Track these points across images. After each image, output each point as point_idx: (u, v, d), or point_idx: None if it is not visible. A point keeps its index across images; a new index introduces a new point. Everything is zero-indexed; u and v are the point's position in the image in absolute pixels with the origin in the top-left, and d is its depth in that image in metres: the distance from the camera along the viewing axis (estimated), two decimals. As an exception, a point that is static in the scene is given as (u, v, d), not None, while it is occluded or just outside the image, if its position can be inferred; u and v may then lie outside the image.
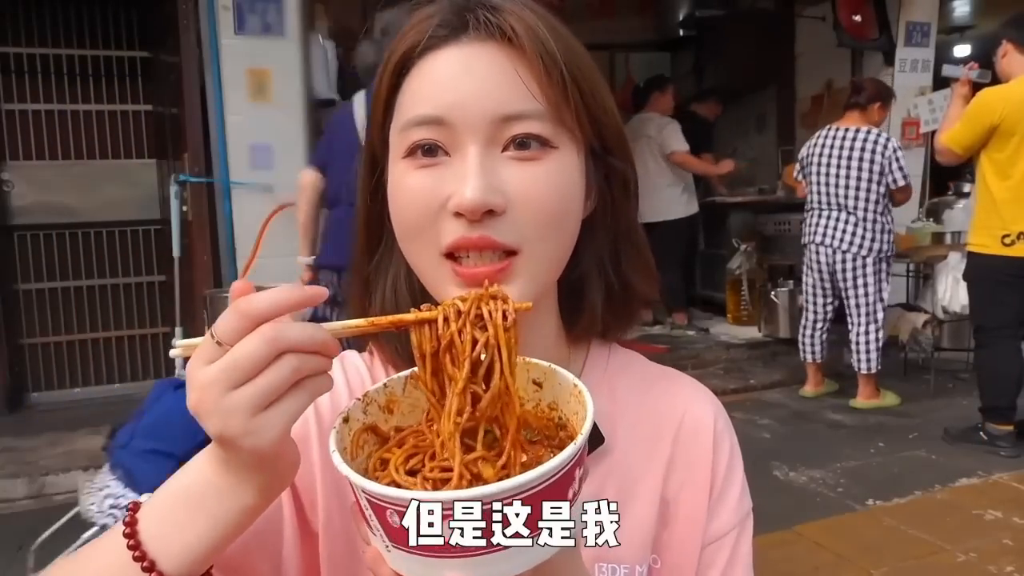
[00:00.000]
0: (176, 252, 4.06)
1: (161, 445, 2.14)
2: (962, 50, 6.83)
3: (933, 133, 4.27)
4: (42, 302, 4.72)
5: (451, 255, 0.60)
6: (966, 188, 5.31)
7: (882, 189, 4.21)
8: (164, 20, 4.22)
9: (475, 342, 0.49)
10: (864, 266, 4.27)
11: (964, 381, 4.75)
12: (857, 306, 4.33)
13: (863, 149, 4.17)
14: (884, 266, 4.33)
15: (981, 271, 3.71)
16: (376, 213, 0.69)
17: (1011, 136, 3.50)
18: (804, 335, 4.58)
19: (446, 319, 0.50)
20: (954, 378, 4.87)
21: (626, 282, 0.71)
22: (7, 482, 3.46)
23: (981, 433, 3.73)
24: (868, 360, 4.33)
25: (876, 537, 2.90)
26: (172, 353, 0.51)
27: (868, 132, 4.21)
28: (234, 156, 4.09)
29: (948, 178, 5.75)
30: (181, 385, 3.35)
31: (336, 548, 0.65)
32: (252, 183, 4.08)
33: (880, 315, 4.32)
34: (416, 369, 0.52)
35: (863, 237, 4.24)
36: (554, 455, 0.45)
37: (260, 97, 4.11)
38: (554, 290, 0.70)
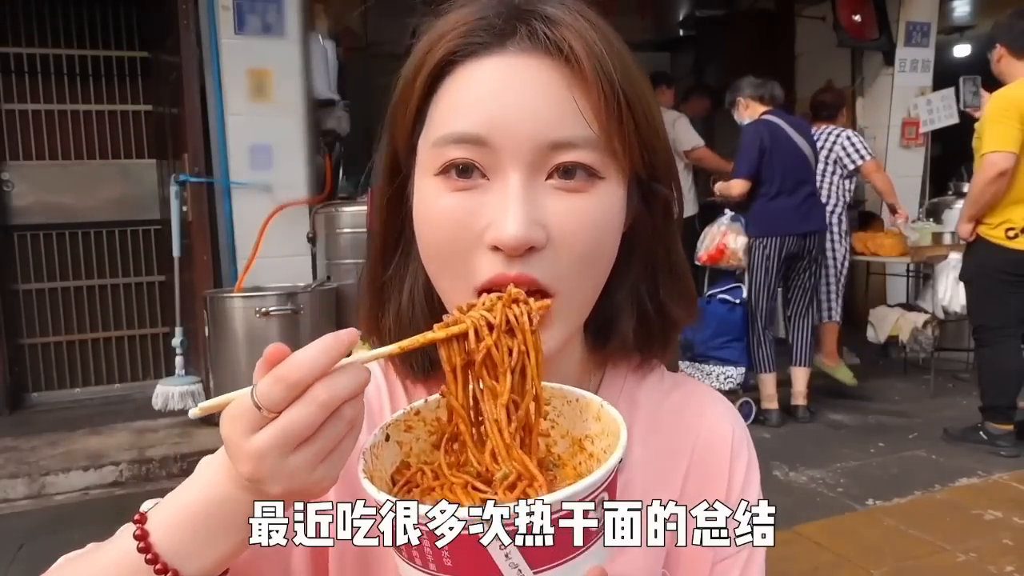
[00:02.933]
0: (176, 252, 4.06)
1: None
2: (962, 50, 6.83)
3: (934, 135, 4.27)
4: (42, 302, 4.72)
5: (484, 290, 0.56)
6: (965, 188, 5.31)
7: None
8: (164, 20, 4.22)
9: (509, 351, 0.50)
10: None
11: (964, 381, 4.75)
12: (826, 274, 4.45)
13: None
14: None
15: (981, 269, 3.70)
16: (395, 221, 0.64)
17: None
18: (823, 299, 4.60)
19: (476, 331, 0.50)
20: (954, 378, 4.87)
21: (663, 309, 0.67)
22: (7, 482, 3.45)
23: (981, 433, 3.73)
24: (831, 310, 4.46)
25: (876, 537, 2.90)
26: (192, 414, 0.49)
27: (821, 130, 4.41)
28: (234, 156, 4.09)
29: (948, 178, 5.76)
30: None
31: (347, 560, 0.64)
32: (252, 183, 4.08)
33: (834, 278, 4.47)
34: (422, 401, 0.53)
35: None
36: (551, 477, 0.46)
37: (260, 97, 4.11)
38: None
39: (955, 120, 5.36)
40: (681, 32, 6.82)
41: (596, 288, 0.60)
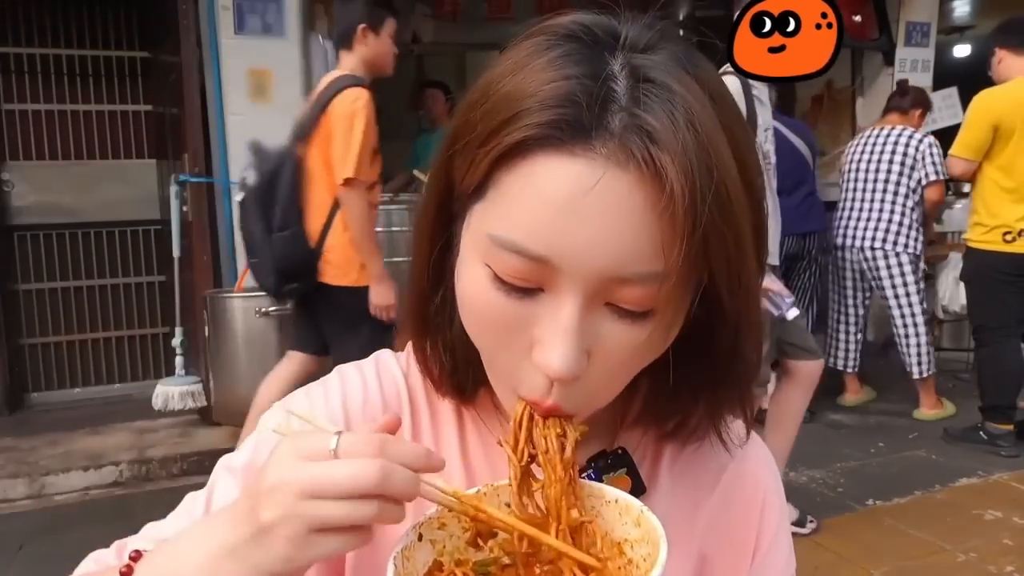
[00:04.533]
0: (176, 252, 4.06)
1: None
2: (962, 50, 6.82)
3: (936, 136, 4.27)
4: (42, 302, 4.72)
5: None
6: (965, 188, 5.31)
7: (912, 184, 4.11)
8: (164, 20, 4.22)
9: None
10: (900, 264, 4.13)
11: (964, 381, 4.75)
12: (899, 307, 4.19)
13: (896, 143, 4.12)
14: (918, 265, 4.19)
15: (981, 269, 3.71)
16: (438, 253, 0.58)
17: (1011, 135, 3.51)
18: (836, 343, 4.45)
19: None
20: (954, 378, 4.87)
21: (719, 400, 0.62)
22: (7, 482, 3.45)
23: (981, 433, 3.73)
24: (920, 364, 4.19)
25: (876, 537, 2.90)
26: (272, 428, 0.50)
27: (903, 130, 4.15)
28: (234, 156, 4.09)
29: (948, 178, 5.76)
30: None
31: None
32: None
33: (920, 316, 4.17)
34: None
35: (896, 234, 4.12)
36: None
37: (260, 97, 4.10)
38: None
39: (957, 120, 5.35)
40: (681, 32, 6.80)
41: (625, 383, 0.57)
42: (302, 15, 4.17)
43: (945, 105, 5.44)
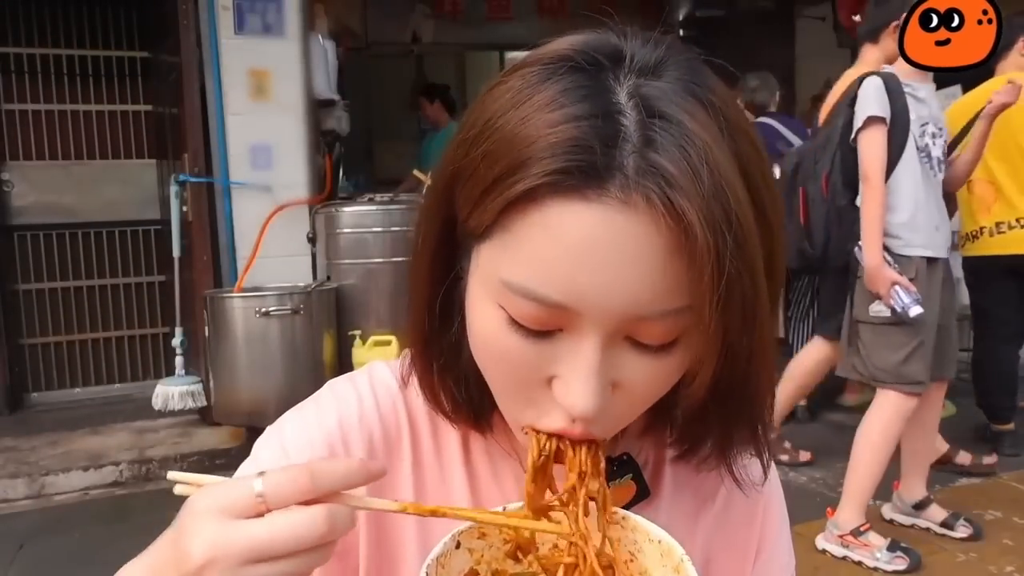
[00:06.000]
0: (176, 252, 4.07)
1: None
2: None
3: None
4: (42, 302, 4.72)
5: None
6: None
7: None
8: (164, 20, 4.22)
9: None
10: None
11: (964, 381, 4.75)
12: None
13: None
14: None
15: (981, 268, 3.70)
16: (446, 295, 0.56)
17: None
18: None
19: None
20: (955, 378, 4.86)
21: (730, 436, 0.60)
22: (7, 482, 3.46)
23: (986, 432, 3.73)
24: None
25: (876, 537, 2.89)
26: (177, 490, 0.45)
27: None
28: (234, 156, 4.09)
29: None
30: None
31: None
32: (252, 183, 4.08)
33: None
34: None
35: None
36: None
37: (260, 97, 4.11)
38: None
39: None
40: (681, 32, 6.83)
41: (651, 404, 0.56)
42: (302, 15, 4.18)
43: (945, 105, 5.43)
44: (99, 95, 4.76)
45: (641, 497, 0.63)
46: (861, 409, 4.38)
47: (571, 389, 0.48)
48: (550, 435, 0.52)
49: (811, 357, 3.35)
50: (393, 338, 3.81)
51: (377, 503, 0.46)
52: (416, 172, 4.67)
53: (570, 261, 0.45)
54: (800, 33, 6.30)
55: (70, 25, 4.67)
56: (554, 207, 0.45)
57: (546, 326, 0.48)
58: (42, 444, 3.89)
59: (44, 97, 4.65)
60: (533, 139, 0.45)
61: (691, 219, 0.43)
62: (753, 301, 0.47)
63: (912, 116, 2.57)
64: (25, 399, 4.67)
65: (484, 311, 0.51)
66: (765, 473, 0.67)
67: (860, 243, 2.60)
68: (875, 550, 2.65)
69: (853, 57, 5.80)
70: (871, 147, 2.56)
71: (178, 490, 0.45)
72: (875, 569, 2.63)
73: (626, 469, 0.63)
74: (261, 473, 0.42)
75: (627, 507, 0.60)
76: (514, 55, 7.51)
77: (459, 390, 0.59)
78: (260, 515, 0.41)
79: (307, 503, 0.42)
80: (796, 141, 4.12)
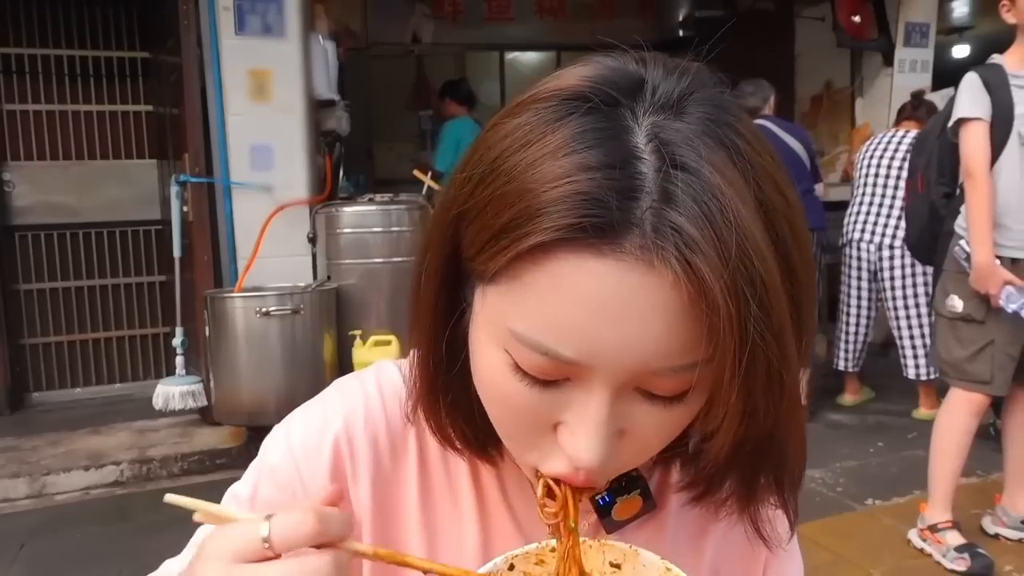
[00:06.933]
0: (176, 252, 4.07)
1: None
2: (961, 51, 6.83)
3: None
4: (42, 302, 4.72)
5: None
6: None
7: None
8: (164, 20, 4.23)
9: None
10: (905, 265, 4.06)
11: (964, 381, 4.75)
12: (905, 307, 4.12)
13: (911, 143, 4.11)
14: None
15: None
16: (451, 330, 0.55)
17: None
18: (841, 342, 4.38)
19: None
20: (954, 378, 4.86)
21: (752, 487, 0.57)
22: (7, 482, 3.46)
23: (991, 430, 3.73)
24: (918, 366, 4.14)
25: (876, 537, 2.90)
26: (196, 517, 0.46)
27: (919, 132, 4.12)
28: (234, 156, 4.09)
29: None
30: None
31: None
32: (252, 183, 4.09)
33: (925, 317, 4.06)
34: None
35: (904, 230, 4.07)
36: None
37: (260, 97, 4.11)
38: None
39: (955, 120, 5.36)
40: (681, 32, 6.83)
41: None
42: (302, 15, 4.18)
43: (944, 105, 5.44)
44: (100, 95, 4.77)
45: (647, 510, 0.63)
46: (860, 409, 4.41)
47: (577, 440, 0.47)
48: (553, 479, 0.51)
49: None
50: (393, 338, 3.81)
51: (356, 546, 0.46)
52: (416, 172, 4.67)
53: (583, 317, 0.43)
54: (799, 33, 6.31)
55: (71, 25, 4.68)
56: (567, 262, 0.43)
57: (553, 376, 0.47)
58: (43, 444, 3.89)
59: (45, 97, 4.65)
60: (543, 189, 0.43)
61: (711, 286, 0.41)
62: (779, 364, 0.45)
63: (1019, 110, 2.41)
64: (26, 399, 4.67)
65: (489, 354, 0.49)
66: (792, 529, 0.64)
67: (962, 240, 2.49)
68: (945, 547, 2.65)
69: (853, 57, 5.85)
70: (970, 142, 2.46)
71: (196, 517, 0.45)
72: (937, 564, 2.68)
73: (633, 485, 0.62)
74: (268, 517, 0.42)
75: (633, 520, 0.61)
76: (514, 55, 7.53)
77: (468, 427, 0.58)
78: (267, 560, 0.42)
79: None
80: (791, 142, 4.12)
